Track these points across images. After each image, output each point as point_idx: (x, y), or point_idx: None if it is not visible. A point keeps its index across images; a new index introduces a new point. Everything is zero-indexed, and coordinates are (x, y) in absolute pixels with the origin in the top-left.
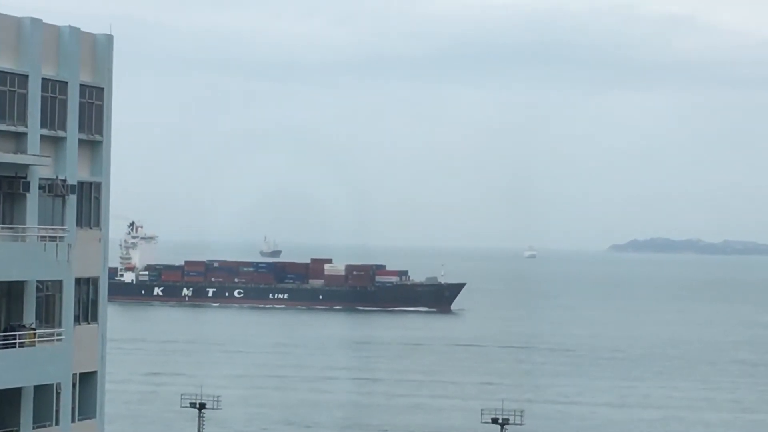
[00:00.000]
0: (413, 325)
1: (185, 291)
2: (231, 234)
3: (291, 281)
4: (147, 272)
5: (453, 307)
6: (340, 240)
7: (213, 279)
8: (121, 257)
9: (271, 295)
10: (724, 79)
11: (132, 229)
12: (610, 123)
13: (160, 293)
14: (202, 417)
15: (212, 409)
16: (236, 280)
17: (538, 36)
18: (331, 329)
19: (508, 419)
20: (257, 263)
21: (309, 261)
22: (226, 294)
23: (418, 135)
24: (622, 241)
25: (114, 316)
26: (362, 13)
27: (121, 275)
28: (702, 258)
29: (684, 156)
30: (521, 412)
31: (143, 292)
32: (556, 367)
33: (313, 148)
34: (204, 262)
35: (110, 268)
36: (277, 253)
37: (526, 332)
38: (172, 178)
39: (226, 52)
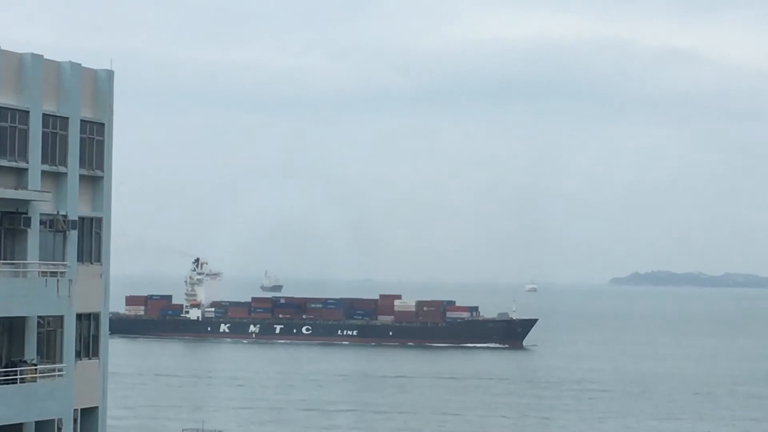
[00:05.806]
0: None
1: (252, 328)
2: (230, 268)
3: (360, 317)
4: (213, 309)
5: (524, 342)
6: (342, 275)
7: (280, 315)
8: (186, 294)
9: (339, 332)
10: (724, 113)
11: (197, 266)
12: (609, 157)
13: (227, 330)
14: None
15: None
16: (304, 316)
17: (537, 70)
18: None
19: None
20: (326, 299)
21: (378, 297)
22: (294, 331)
23: (417, 170)
24: (623, 274)
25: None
26: (359, 48)
27: (187, 312)
28: (703, 291)
29: (684, 189)
30: None
31: (209, 329)
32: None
33: (313, 183)
34: (271, 298)
35: (176, 305)
36: (278, 288)
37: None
38: (172, 213)
39: (225, 87)
